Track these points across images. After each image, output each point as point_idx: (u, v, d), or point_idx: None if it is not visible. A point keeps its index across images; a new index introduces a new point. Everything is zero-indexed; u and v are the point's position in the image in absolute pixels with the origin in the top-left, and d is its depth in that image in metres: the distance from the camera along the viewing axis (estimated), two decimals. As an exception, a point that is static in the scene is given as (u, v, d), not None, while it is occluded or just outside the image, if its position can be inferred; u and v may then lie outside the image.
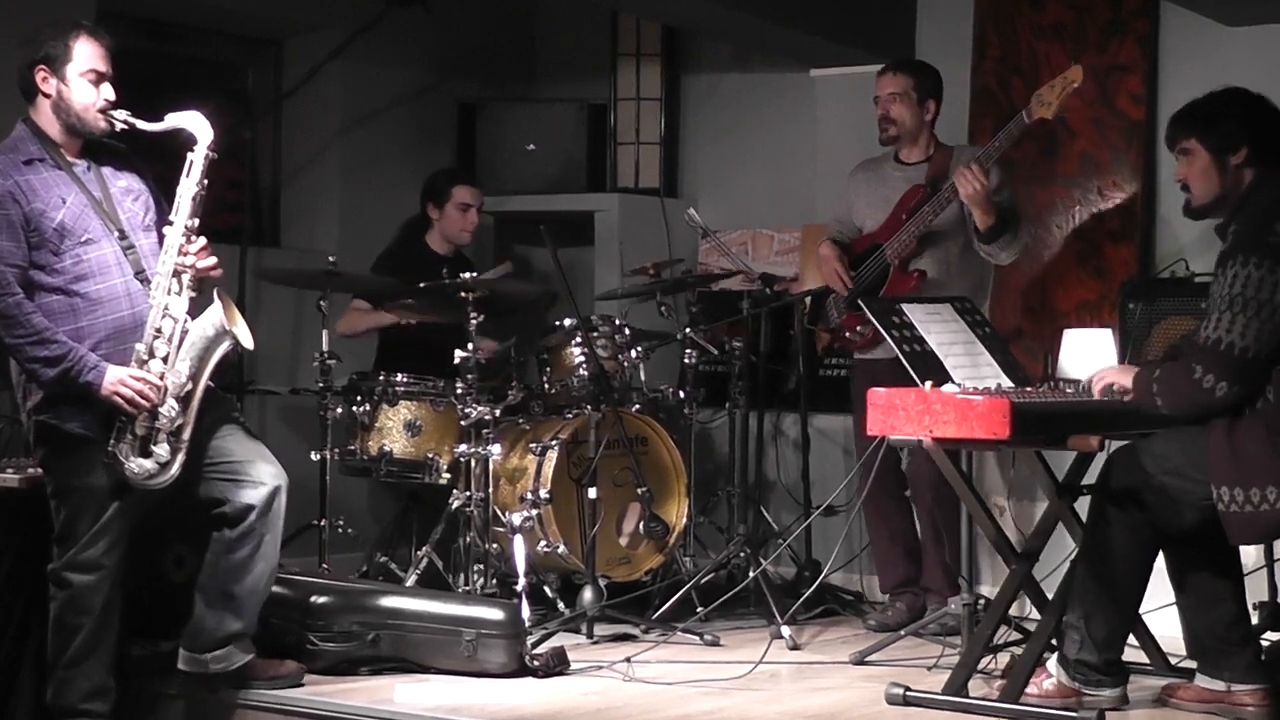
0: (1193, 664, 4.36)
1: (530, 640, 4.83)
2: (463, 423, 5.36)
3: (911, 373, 4.29)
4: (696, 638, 5.20)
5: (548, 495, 5.44)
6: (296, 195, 6.84)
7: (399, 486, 6.07)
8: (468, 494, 5.37)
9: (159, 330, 4.20)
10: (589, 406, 5.51)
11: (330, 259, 5.67)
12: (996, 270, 5.64)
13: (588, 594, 5.23)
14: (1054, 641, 4.33)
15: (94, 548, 4.20)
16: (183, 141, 4.28)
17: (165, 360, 4.19)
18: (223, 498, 4.31)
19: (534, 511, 5.43)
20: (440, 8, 6.56)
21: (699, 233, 6.31)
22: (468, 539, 5.36)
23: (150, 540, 4.57)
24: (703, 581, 5.56)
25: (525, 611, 5.01)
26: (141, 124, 4.23)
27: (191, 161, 4.26)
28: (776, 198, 6.88)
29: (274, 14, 6.63)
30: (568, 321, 5.70)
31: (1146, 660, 4.64)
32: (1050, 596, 4.43)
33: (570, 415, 5.66)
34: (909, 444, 4.24)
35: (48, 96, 4.22)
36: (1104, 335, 5.51)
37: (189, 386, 4.21)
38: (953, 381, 4.25)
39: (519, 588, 5.22)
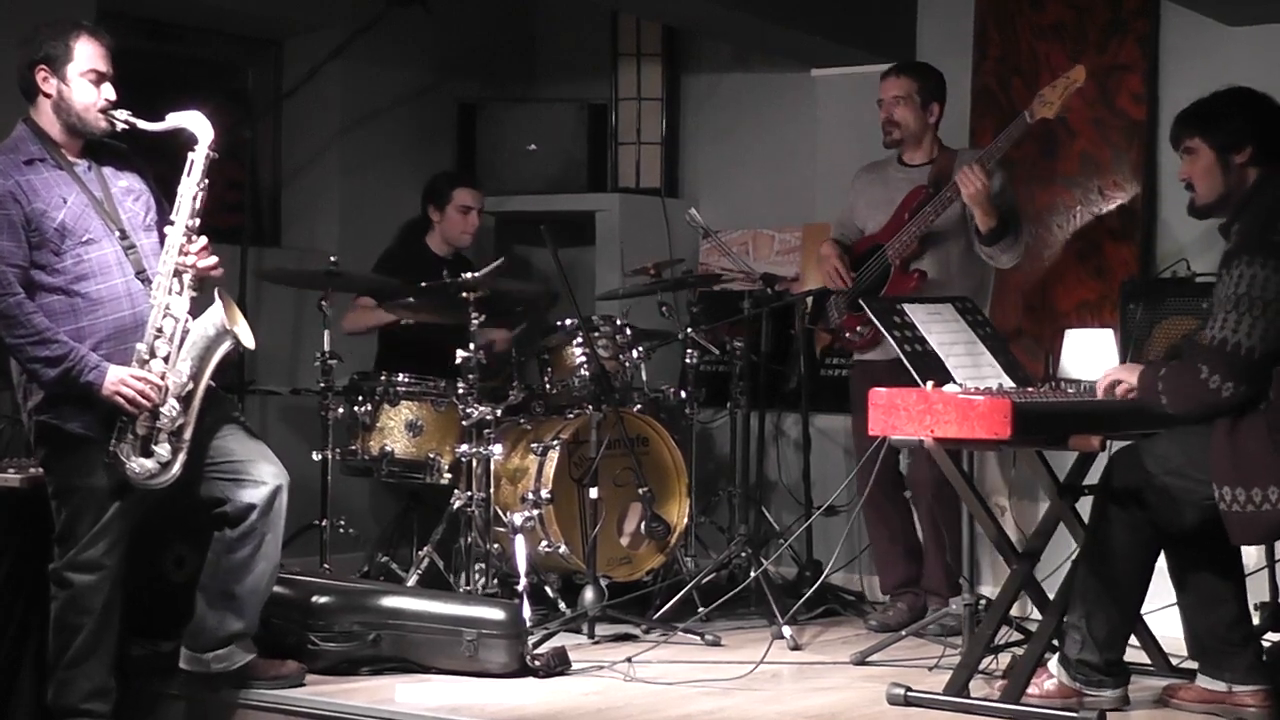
0: (1194, 664, 4.35)
1: (531, 640, 4.83)
2: (464, 423, 5.36)
3: (913, 373, 4.29)
4: (697, 638, 5.20)
5: (549, 495, 5.44)
6: (297, 195, 6.84)
7: (400, 486, 6.06)
8: (469, 494, 5.36)
9: (160, 330, 4.19)
10: (590, 406, 5.50)
11: (331, 259, 5.67)
12: (997, 271, 5.63)
13: (589, 594, 5.23)
14: (1055, 642, 4.33)
15: (95, 548, 4.19)
16: (183, 141, 4.27)
17: (166, 360, 4.19)
18: (224, 497, 4.31)
19: (535, 511, 5.43)
20: (440, 8, 6.55)
21: (700, 233, 6.31)
22: (469, 539, 5.35)
23: (151, 540, 4.57)
24: (704, 581, 5.55)
25: (526, 611, 5.00)
26: (142, 124, 4.23)
27: (192, 161, 4.26)
28: (777, 198, 6.87)
29: (274, 14, 6.62)
30: (569, 321, 5.70)
31: (1148, 660, 4.63)
32: (1051, 597, 4.43)
33: (571, 415, 5.66)
34: (910, 444, 4.24)
35: (48, 96, 4.21)
36: (1105, 335, 5.50)
37: (190, 386, 4.21)
38: (954, 381, 4.25)
39: (520, 588, 5.23)
